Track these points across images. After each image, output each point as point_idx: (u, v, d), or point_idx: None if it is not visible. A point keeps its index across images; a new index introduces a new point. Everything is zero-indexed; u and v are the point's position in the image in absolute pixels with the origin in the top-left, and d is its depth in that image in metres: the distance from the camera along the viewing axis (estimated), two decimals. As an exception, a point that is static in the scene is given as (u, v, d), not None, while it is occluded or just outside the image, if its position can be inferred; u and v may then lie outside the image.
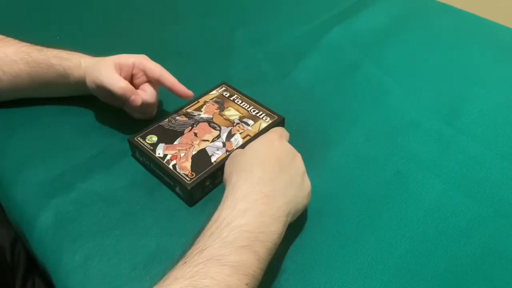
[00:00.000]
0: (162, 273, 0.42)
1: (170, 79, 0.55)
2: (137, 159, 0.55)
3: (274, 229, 0.39)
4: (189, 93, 0.56)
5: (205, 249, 0.36)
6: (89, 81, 0.55)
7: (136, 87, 0.57)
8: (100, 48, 0.60)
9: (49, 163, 0.54)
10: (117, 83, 0.53)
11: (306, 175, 0.46)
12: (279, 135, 0.48)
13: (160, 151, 0.51)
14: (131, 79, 0.57)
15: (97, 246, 0.46)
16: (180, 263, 0.36)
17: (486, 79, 0.70)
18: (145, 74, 0.56)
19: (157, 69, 0.56)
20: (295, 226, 0.47)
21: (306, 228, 0.48)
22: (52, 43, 0.59)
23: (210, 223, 0.39)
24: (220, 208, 0.40)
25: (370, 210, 0.50)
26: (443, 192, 0.52)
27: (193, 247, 0.37)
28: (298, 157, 0.46)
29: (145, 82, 0.57)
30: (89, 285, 0.42)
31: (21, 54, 0.57)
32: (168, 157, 0.51)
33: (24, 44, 0.59)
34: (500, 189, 0.53)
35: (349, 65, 0.72)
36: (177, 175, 0.49)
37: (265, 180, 0.41)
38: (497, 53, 0.76)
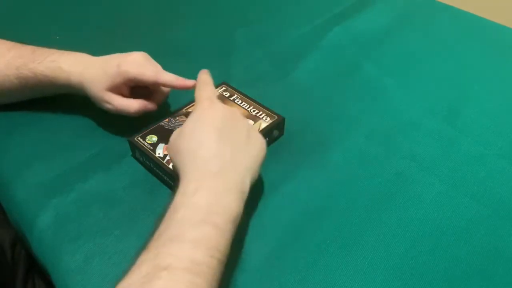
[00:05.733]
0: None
1: (166, 80, 0.54)
2: (137, 159, 0.55)
3: (230, 199, 0.39)
4: (189, 83, 0.54)
5: (163, 233, 0.36)
6: (95, 101, 0.55)
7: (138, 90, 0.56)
8: (100, 48, 0.59)
9: (49, 163, 0.54)
10: (131, 108, 0.53)
11: (252, 129, 0.45)
12: (208, 100, 0.46)
13: (160, 151, 0.51)
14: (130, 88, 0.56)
15: (97, 246, 0.46)
16: (143, 252, 0.36)
17: (486, 79, 0.70)
18: (140, 84, 0.54)
19: (149, 79, 0.53)
20: (295, 226, 0.47)
21: (306, 228, 0.48)
22: (52, 42, 0.59)
23: (166, 211, 0.39)
24: (172, 196, 0.40)
25: (370, 210, 0.50)
26: (443, 192, 0.52)
27: (153, 236, 0.37)
28: (236, 114, 0.45)
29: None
30: (89, 285, 0.42)
31: (11, 68, 0.56)
32: (168, 157, 0.51)
33: (11, 53, 0.57)
34: (500, 189, 0.53)
35: (349, 65, 0.72)
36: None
37: (209, 158, 0.41)
38: (497, 53, 0.76)
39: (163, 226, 0.37)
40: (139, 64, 0.53)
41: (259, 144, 0.45)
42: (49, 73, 0.55)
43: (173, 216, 0.37)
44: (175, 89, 0.56)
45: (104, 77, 0.53)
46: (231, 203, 0.39)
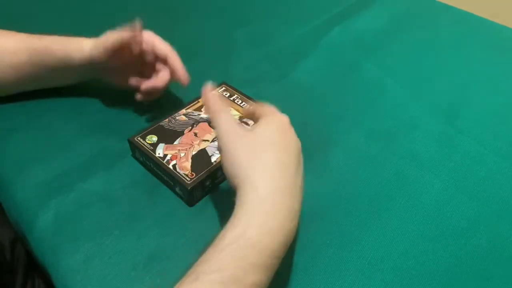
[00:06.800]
0: (162, 273, 0.43)
1: (175, 62, 0.56)
2: (137, 159, 0.55)
3: (289, 244, 0.37)
4: (186, 79, 0.56)
5: (225, 268, 0.33)
6: (97, 53, 0.55)
7: (148, 65, 0.58)
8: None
9: (49, 163, 0.54)
10: (124, 32, 0.54)
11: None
12: (289, 123, 0.44)
13: (160, 151, 0.51)
14: (140, 56, 0.58)
15: (97, 246, 0.46)
16: (191, 278, 0.33)
17: (486, 79, 0.70)
18: (154, 51, 0.57)
19: (164, 49, 0.56)
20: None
21: (306, 228, 0.48)
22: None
23: (231, 237, 0.35)
24: (245, 222, 0.36)
25: (370, 210, 0.50)
26: (443, 192, 0.52)
27: (210, 263, 0.34)
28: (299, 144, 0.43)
29: (155, 59, 0.58)
30: (89, 285, 0.42)
31: (21, 44, 0.57)
32: (168, 157, 0.51)
33: (22, 34, 0.58)
34: (500, 189, 0.53)
35: (349, 65, 0.72)
36: (177, 175, 0.49)
37: (289, 191, 0.38)
38: (497, 53, 0.76)
39: (226, 257, 0.34)
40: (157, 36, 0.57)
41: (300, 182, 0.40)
42: (64, 39, 0.56)
43: (243, 252, 0.34)
44: (173, 74, 0.57)
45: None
46: (287, 246, 0.37)
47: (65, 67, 0.57)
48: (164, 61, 0.57)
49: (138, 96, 0.58)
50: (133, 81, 0.57)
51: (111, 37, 0.53)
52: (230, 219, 0.37)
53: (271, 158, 0.38)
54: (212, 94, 0.44)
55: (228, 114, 0.42)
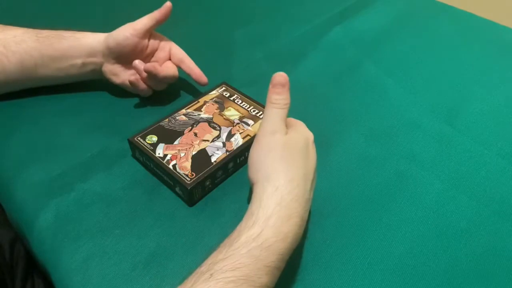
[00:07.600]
0: (162, 273, 0.43)
1: (190, 64, 0.60)
2: (137, 159, 0.55)
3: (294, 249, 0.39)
4: (204, 79, 0.60)
5: (240, 268, 0.34)
6: (109, 41, 0.57)
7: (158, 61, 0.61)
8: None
9: (49, 163, 0.54)
10: (139, 21, 0.58)
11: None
12: (313, 140, 0.46)
13: (160, 151, 0.51)
14: (155, 52, 0.61)
15: (97, 246, 0.46)
16: (205, 276, 0.34)
17: (486, 79, 0.70)
18: (170, 52, 0.61)
19: (179, 53, 0.61)
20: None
21: (306, 228, 0.48)
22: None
23: (247, 236, 0.36)
24: (262, 223, 0.37)
25: (370, 210, 0.50)
26: (443, 192, 0.52)
27: (224, 261, 0.35)
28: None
29: (167, 59, 0.61)
30: (89, 285, 0.42)
31: (30, 33, 0.58)
32: (168, 157, 0.51)
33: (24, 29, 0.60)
34: (500, 189, 0.53)
35: (349, 65, 0.72)
36: (177, 175, 0.49)
37: (304, 201, 0.40)
38: (497, 53, 0.76)
39: (242, 257, 0.35)
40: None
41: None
42: (73, 32, 0.59)
43: (258, 253, 0.35)
44: (190, 76, 0.60)
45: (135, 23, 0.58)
46: (290, 249, 0.39)
47: (73, 54, 0.58)
48: (178, 65, 0.61)
49: (142, 91, 0.60)
50: (136, 62, 0.57)
51: (143, 20, 0.58)
52: (246, 216, 0.38)
53: (297, 167, 0.41)
54: (277, 85, 0.47)
55: (280, 109, 0.45)
